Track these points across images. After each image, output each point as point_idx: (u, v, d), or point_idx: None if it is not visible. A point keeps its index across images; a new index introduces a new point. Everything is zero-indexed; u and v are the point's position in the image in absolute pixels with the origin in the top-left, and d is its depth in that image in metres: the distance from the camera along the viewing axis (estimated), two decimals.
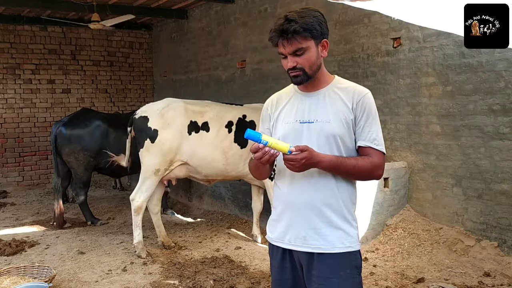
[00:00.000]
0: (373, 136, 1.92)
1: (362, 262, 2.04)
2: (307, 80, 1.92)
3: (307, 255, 1.93)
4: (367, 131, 1.92)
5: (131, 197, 4.67)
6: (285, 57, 1.91)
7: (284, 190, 2.00)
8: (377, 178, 1.99)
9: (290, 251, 1.98)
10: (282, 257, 2.01)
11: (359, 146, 1.94)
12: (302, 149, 1.82)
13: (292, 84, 2.06)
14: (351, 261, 1.92)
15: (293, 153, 1.81)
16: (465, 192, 4.21)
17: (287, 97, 2.05)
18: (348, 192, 1.96)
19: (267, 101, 2.15)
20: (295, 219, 1.95)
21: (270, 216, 2.10)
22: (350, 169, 1.89)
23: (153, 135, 4.55)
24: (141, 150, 4.64)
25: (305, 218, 1.93)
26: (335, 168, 1.89)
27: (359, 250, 1.96)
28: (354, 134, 1.94)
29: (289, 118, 1.99)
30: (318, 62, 1.93)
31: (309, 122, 1.94)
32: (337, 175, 1.92)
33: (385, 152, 1.96)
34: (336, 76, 2.03)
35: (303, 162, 1.81)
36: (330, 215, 1.91)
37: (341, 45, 5.28)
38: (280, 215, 2.01)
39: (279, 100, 2.07)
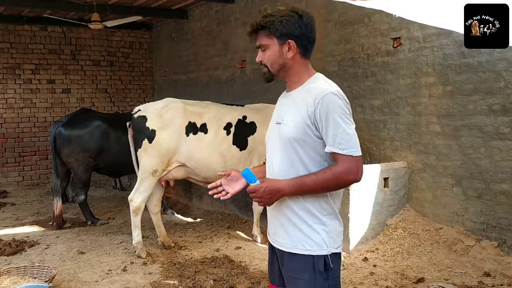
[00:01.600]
0: (338, 140, 1.80)
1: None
2: (271, 78, 1.97)
3: (280, 251, 1.99)
4: (330, 135, 1.81)
5: (129, 197, 4.67)
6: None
7: None
8: (351, 183, 1.88)
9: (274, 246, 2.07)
10: (272, 251, 2.10)
11: (327, 152, 1.86)
12: (263, 181, 1.91)
13: None
14: (314, 265, 1.89)
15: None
16: (465, 192, 4.21)
17: (279, 99, 2.12)
18: (314, 195, 1.89)
19: None
20: (271, 216, 2.04)
21: None
22: (312, 186, 1.84)
23: (151, 135, 4.54)
24: (139, 150, 4.63)
25: (275, 216, 2.00)
26: (298, 191, 1.86)
27: (325, 256, 1.89)
28: (323, 139, 1.85)
29: (272, 120, 2.06)
30: (281, 61, 1.91)
31: (280, 124, 1.97)
32: (305, 195, 1.89)
33: (354, 154, 1.81)
34: (315, 74, 1.97)
35: (262, 190, 1.86)
36: (290, 216, 1.93)
37: (341, 45, 5.28)
38: (268, 211, 2.11)
39: (278, 102, 2.15)
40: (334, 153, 1.82)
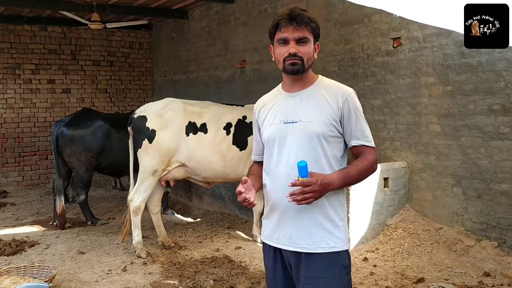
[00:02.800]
0: (365, 134, 1.96)
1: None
2: (302, 71, 1.93)
3: (295, 254, 1.95)
4: (359, 130, 1.95)
5: (129, 197, 4.67)
6: (284, 43, 1.92)
7: (271, 190, 2.01)
8: (374, 172, 2.02)
9: (280, 250, 2.00)
10: (274, 257, 2.03)
11: (353, 146, 1.97)
12: (311, 175, 1.82)
13: (277, 87, 2.11)
14: (338, 261, 1.93)
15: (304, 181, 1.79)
16: (465, 192, 4.21)
17: (272, 100, 2.08)
18: (334, 191, 1.93)
19: (254, 106, 2.18)
20: (282, 218, 1.97)
21: (263, 216, 2.14)
22: (355, 177, 1.93)
23: (151, 135, 4.54)
24: (139, 150, 4.63)
25: (291, 218, 1.94)
26: (344, 182, 1.90)
27: (346, 250, 1.97)
28: (342, 134, 1.96)
29: (274, 119, 2.01)
30: (312, 59, 1.97)
31: (292, 122, 1.95)
32: (347, 186, 1.94)
33: (374, 146, 2.00)
34: (320, 75, 2.05)
35: (319, 183, 1.80)
36: (315, 215, 1.92)
37: (341, 45, 5.27)
38: (269, 214, 2.04)
39: (265, 104, 2.10)
40: (363, 145, 1.95)
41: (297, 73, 1.93)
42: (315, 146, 1.91)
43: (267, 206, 2.05)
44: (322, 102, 1.94)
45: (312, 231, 1.91)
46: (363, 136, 1.96)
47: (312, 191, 1.79)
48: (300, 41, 1.90)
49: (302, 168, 1.80)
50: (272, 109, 2.04)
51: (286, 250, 1.97)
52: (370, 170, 1.97)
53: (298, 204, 1.82)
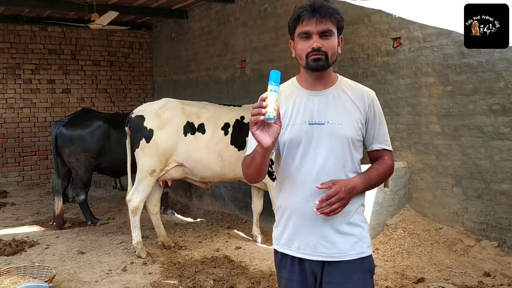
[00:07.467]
0: (386, 138, 1.93)
1: None
2: (326, 67, 1.79)
3: (320, 263, 1.84)
4: (382, 133, 1.91)
5: (127, 198, 4.66)
6: (307, 37, 1.76)
7: (289, 196, 1.87)
8: (390, 176, 2.00)
9: (300, 261, 1.87)
10: (291, 267, 1.89)
11: (374, 149, 1.92)
12: (333, 183, 1.74)
13: (290, 81, 1.93)
14: (364, 266, 1.86)
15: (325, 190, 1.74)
16: (465, 192, 4.21)
17: (290, 96, 1.87)
18: (358, 196, 1.86)
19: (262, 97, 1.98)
20: (302, 226, 1.84)
21: (275, 223, 1.98)
22: (376, 181, 1.89)
23: (148, 135, 4.54)
24: (136, 150, 4.62)
25: (314, 226, 1.82)
26: (367, 186, 1.85)
27: (371, 254, 1.90)
28: (364, 137, 1.89)
29: (296, 119, 1.83)
30: (337, 54, 1.83)
31: (319, 124, 1.80)
32: (368, 190, 1.89)
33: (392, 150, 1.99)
34: (339, 75, 1.93)
35: (343, 190, 1.73)
36: (341, 223, 1.82)
37: None
38: (286, 222, 1.89)
39: (279, 99, 1.90)
40: (383, 150, 1.92)
41: (321, 69, 1.78)
42: (344, 150, 1.81)
43: (284, 213, 1.90)
44: (349, 104, 1.84)
45: (337, 239, 1.82)
46: (385, 140, 1.92)
47: (339, 199, 1.73)
48: (324, 34, 1.75)
49: (274, 74, 1.61)
50: (291, 107, 1.85)
51: (311, 261, 1.85)
52: (388, 174, 1.94)
53: (327, 215, 1.75)
